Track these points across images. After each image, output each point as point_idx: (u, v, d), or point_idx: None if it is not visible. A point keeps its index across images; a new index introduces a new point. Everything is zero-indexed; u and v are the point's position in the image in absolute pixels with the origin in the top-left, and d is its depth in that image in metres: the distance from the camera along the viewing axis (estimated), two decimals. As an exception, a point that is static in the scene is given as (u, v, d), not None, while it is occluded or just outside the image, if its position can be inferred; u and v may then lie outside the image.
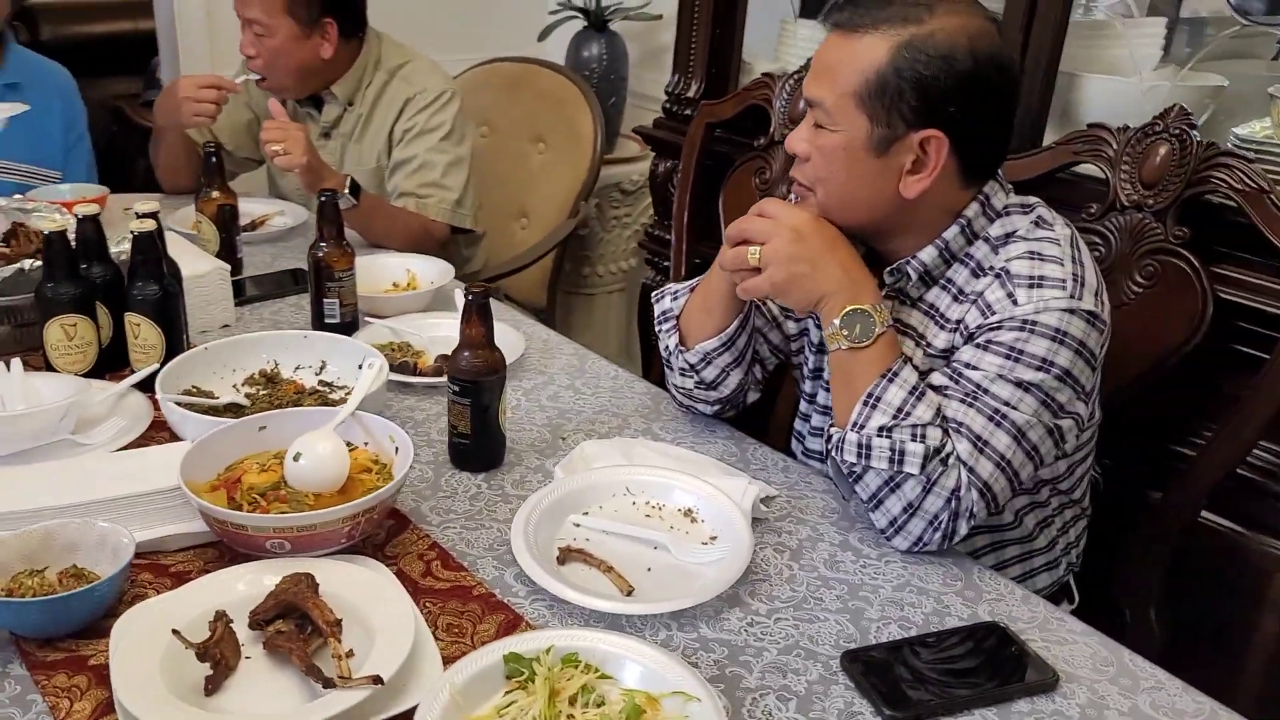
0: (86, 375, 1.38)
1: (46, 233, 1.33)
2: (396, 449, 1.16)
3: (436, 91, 2.17)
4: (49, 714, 0.89)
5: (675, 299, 1.39)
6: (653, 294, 1.43)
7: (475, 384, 1.24)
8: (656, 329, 1.40)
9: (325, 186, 1.87)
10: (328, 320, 1.58)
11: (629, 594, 1.08)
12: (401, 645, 0.92)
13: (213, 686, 0.90)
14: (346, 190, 1.87)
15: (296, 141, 1.82)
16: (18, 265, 1.43)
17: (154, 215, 1.41)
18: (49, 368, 1.38)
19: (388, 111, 2.17)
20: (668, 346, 1.39)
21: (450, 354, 1.27)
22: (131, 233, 1.36)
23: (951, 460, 1.12)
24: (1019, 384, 1.13)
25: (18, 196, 1.70)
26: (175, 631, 0.90)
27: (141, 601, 0.99)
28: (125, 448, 1.25)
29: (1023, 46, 1.79)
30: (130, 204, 1.42)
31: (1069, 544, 1.40)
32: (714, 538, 1.16)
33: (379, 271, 1.81)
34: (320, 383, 1.40)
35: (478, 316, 1.24)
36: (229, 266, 1.60)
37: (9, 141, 2.02)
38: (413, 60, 2.21)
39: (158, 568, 1.07)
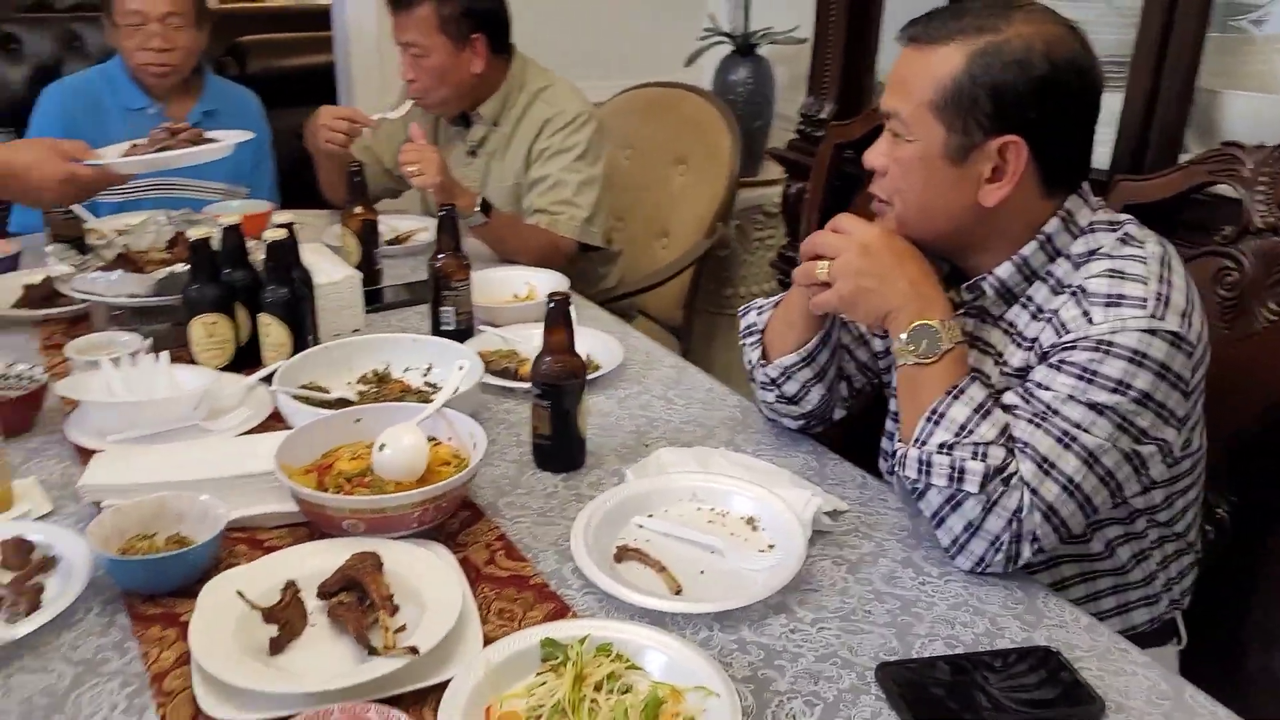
0: (224, 369, 1.53)
1: (192, 239, 1.49)
2: (475, 445, 1.23)
3: (573, 114, 2.28)
4: (140, 659, 1.00)
5: (760, 314, 1.42)
6: (739, 309, 1.46)
7: (555, 387, 1.31)
8: (740, 343, 1.43)
9: (459, 204, 1.99)
10: (443, 326, 1.69)
11: (677, 593, 1.11)
12: (445, 623, 0.99)
13: (276, 647, 0.99)
14: (477, 209, 1.98)
15: (431, 163, 1.95)
16: (172, 269, 1.59)
17: (288, 227, 1.54)
18: (193, 361, 1.53)
19: (528, 131, 2.28)
20: (750, 360, 1.41)
21: (534, 359, 1.33)
22: (266, 241, 1.49)
23: (1014, 481, 1.10)
24: (1091, 406, 1.10)
25: (186, 210, 1.90)
26: (239, 593, 1.00)
27: (231, 569, 1.10)
28: (245, 434, 1.38)
29: (1158, 60, 1.72)
30: (305, 220, 1.58)
31: (1170, 580, 1.33)
32: (771, 546, 1.18)
33: (502, 284, 1.91)
34: (425, 383, 1.50)
35: (558, 323, 1.31)
36: (360, 275, 1.73)
37: (208, 165, 2.25)
38: (554, 84, 2.32)
39: (254, 541, 1.18)
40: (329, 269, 1.73)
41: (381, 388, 1.47)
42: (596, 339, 1.70)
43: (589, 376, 1.58)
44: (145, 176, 2.22)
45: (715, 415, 1.51)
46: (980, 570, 1.14)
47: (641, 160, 2.88)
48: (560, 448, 1.34)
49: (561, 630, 1.00)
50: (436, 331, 1.70)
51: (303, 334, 1.54)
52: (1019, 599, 1.12)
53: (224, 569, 1.11)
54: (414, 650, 0.94)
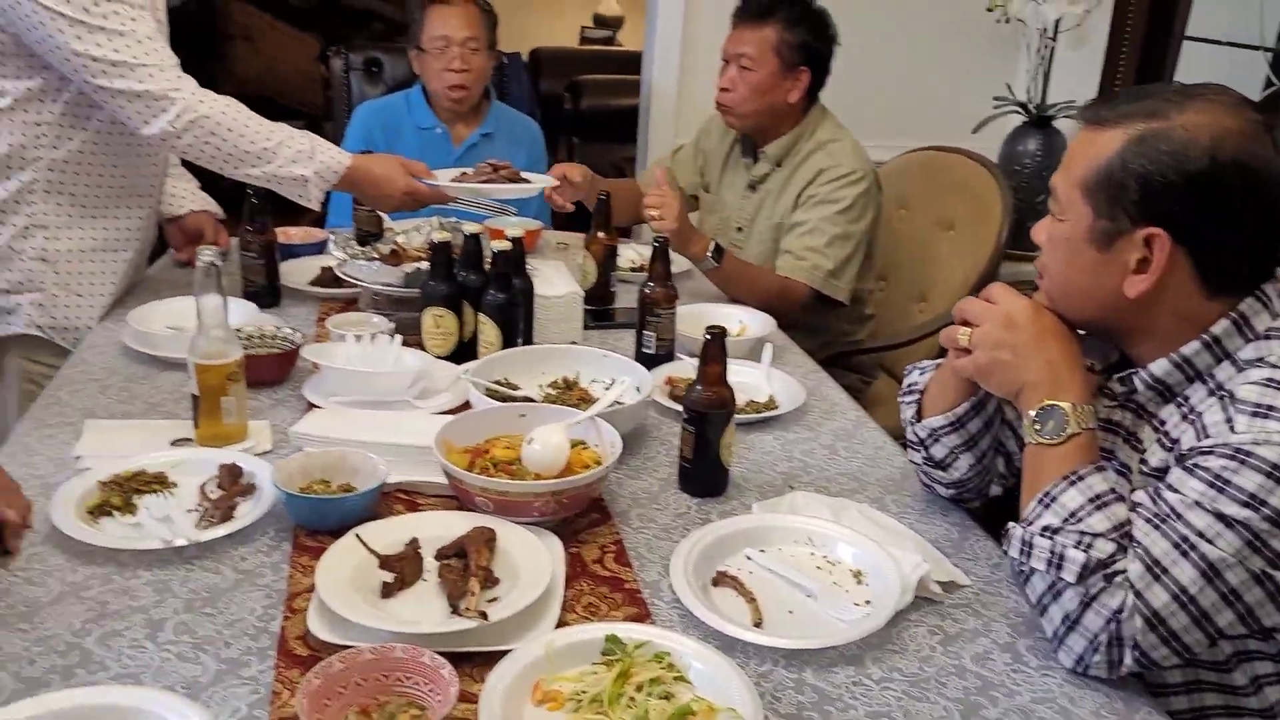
0: (445, 358, 1.73)
1: (433, 240, 1.71)
2: (610, 455, 1.33)
3: (849, 169, 2.33)
4: (286, 580, 1.18)
5: (923, 373, 1.41)
6: (906, 366, 1.46)
7: (701, 415, 1.38)
8: (898, 399, 1.43)
9: (691, 249, 2.12)
10: (644, 350, 1.80)
11: (757, 625, 1.14)
12: (524, 601, 1.09)
13: (387, 592, 1.14)
14: (709, 254, 2.09)
15: (670, 209, 2.08)
16: (419, 265, 1.83)
17: (517, 240, 1.73)
18: (421, 347, 1.75)
19: (803, 177, 2.37)
20: (905, 418, 1.41)
21: (689, 386, 1.41)
22: (494, 250, 1.68)
23: (1118, 580, 1.03)
24: (1219, 516, 1.01)
25: (456, 219, 2.15)
26: (358, 536, 1.16)
27: (378, 519, 1.26)
28: (440, 414, 1.56)
29: None
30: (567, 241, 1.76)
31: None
32: (868, 601, 1.18)
33: (718, 319, 1.98)
34: (617, 400, 1.62)
35: (713, 355, 1.38)
36: (580, 293, 1.89)
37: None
38: (840, 139, 2.38)
39: (411, 504, 1.35)
40: (557, 284, 1.90)
41: (565, 393, 1.60)
42: (785, 381, 1.75)
43: (766, 414, 1.64)
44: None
45: (875, 472, 1.51)
46: (1081, 670, 1.08)
47: (912, 221, 2.86)
48: (700, 472, 1.40)
49: (628, 631, 1.07)
50: (638, 353, 1.81)
51: (512, 336, 1.71)
52: (1116, 709, 1.05)
53: (374, 518, 1.28)
54: (484, 616, 1.05)
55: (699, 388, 1.38)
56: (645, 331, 1.80)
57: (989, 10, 3.01)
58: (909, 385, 1.42)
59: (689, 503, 1.40)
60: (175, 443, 1.46)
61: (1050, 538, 1.07)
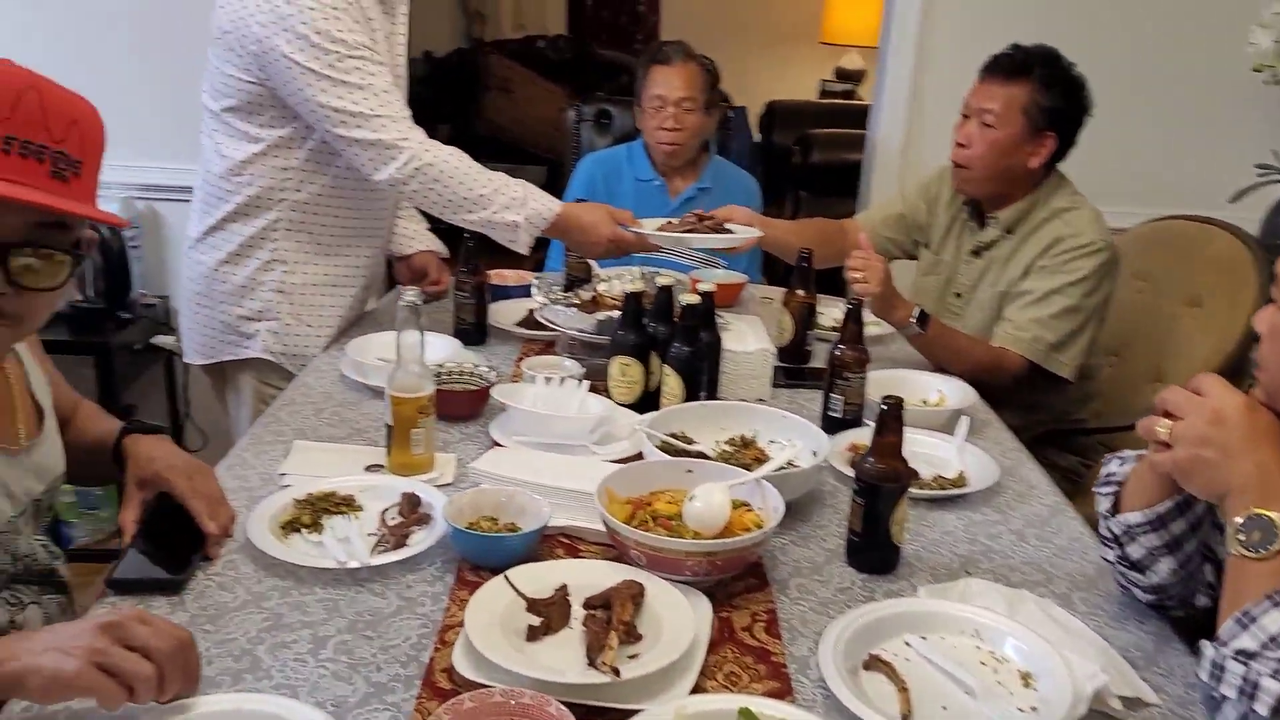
0: (629, 406, 1.75)
1: (626, 291, 1.74)
2: (770, 521, 1.30)
3: (1087, 240, 2.18)
4: (442, 611, 1.22)
5: (1123, 464, 1.29)
6: (1105, 454, 1.34)
7: (873, 487, 1.32)
8: (1094, 490, 1.31)
9: (894, 315, 2.05)
10: (830, 413, 1.75)
11: (905, 717, 1.07)
12: (660, 661, 1.08)
13: (533, 635, 1.15)
14: (914, 320, 2.02)
15: (875, 272, 2.02)
16: (611, 313, 1.86)
17: (707, 294, 1.73)
18: (606, 394, 1.78)
19: (1036, 246, 2.23)
20: (1100, 510, 1.29)
21: (861, 456, 1.36)
22: (682, 304, 1.69)
23: (1323, 721, 0.90)
24: None
25: (658, 270, 2.18)
26: (506, 578, 1.18)
27: (534, 562, 1.29)
28: (615, 461, 1.58)
29: None
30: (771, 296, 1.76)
31: None
32: (1034, 709, 1.09)
33: (914, 386, 1.92)
34: (787, 460, 1.58)
35: (888, 426, 1.32)
36: (771, 351, 1.86)
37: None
38: (1079, 208, 2.24)
39: (572, 548, 1.37)
40: (749, 340, 1.89)
41: (741, 451, 1.58)
42: (979, 458, 1.65)
43: (952, 491, 1.56)
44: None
45: (1065, 565, 1.40)
46: (1273, 818, 0.95)
47: (1152, 295, 2.65)
48: (868, 547, 1.35)
49: (764, 706, 1.03)
50: (824, 417, 1.77)
51: (695, 389, 1.71)
52: None
53: (533, 559, 1.30)
54: (617, 672, 1.05)
55: (872, 459, 1.33)
56: (833, 394, 1.75)
57: (1255, 70, 2.76)
58: (1106, 475, 1.31)
59: (853, 578, 1.34)
60: (369, 468, 1.55)
61: (1245, 663, 0.95)
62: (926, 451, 1.68)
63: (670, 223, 2.31)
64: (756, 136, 5.84)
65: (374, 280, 2.23)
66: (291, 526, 1.37)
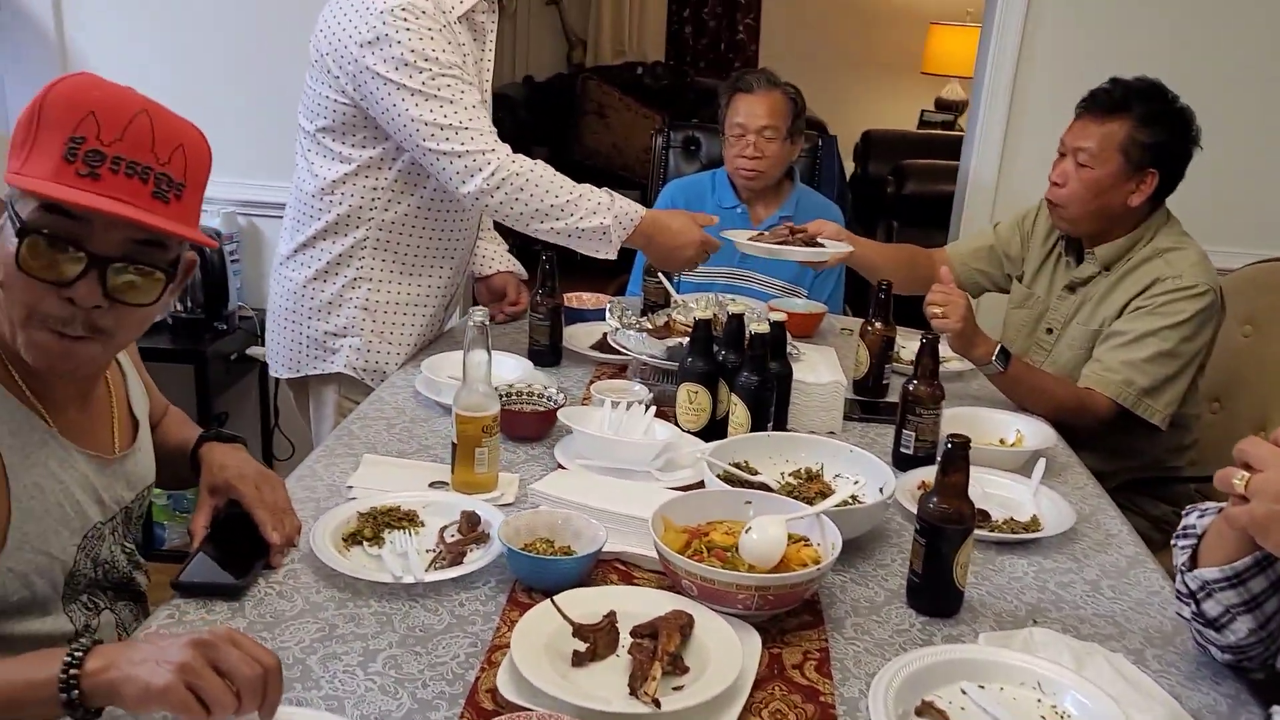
0: (695, 433, 1.74)
1: (696, 318, 1.73)
2: (828, 558, 1.27)
3: (1191, 282, 2.09)
4: (493, 631, 1.23)
5: (1202, 516, 1.23)
6: (1186, 506, 1.28)
7: (935, 528, 1.29)
8: (1171, 543, 1.25)
9: (974, 352, 1.99)
10: (901, 449, 1.71)
11: (953, 769, 1.04)
12: (703, 695, 1.06)
13: (578, 660, 1.15)
14: (994, 359, 1.96)
15: (955, 308, 1.97)
16: (681, 339, 1.86)
17: (777, 324, 1.71)
18: (674, 420, 1.77)
19: (1135, 284, 2.16)
20: (1176, 564, 1.23)
21: (925, 495, 1.32)
22: (751, 331, 1.68)
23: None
24: None
25: (734, 296, 2.17)
26: (554, 602, 1.18)
27: (584, 587, 1.28)
28: (675, 489, 1.57)
29: None
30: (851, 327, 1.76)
31: None
32: (1093, 768, 1.04)
33: (993, 425, 1.86)
34: (852, 495, 1.55)
35: (953, 465, 1.28)
36: (843, 383, 1.83)
37: (778, 264, 2.55)
38: (1184, 248, 2.15)
39: (626, 575, 1.36)
40: (822, 371, 1.86)
41: (805, 484, 1.55)
42: (1055, 503, 1.60)
43: (1024, 536, 1.51)
44: (725, 265, 2.58)
45: (1140, 620, 1.34)
46: None
47: (1259, 340, 2.53)
48: (929, 588, 1.31)
49: (805, 748, 1.01)
50: (896, 453, 1.73)
51: (763, 419, 1.68)
52: None
53: (585, 584, 1.30)
54: (657, 703, 1.04)
55: (935, 499, 1.29)
56: (905, 430, 1.71)
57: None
58: (1184, 528, 1.25)
59: (913, 620, 1.30)
60: (433, 484, 1.57)
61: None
62: (1000, 493, 1.63)
63: (762, 235, 2.32)
64: (851, 166, 5.79)
65: (454, 299, 2.27)
66: (354, 539, 1.39)
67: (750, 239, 2.30)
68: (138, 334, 1.27)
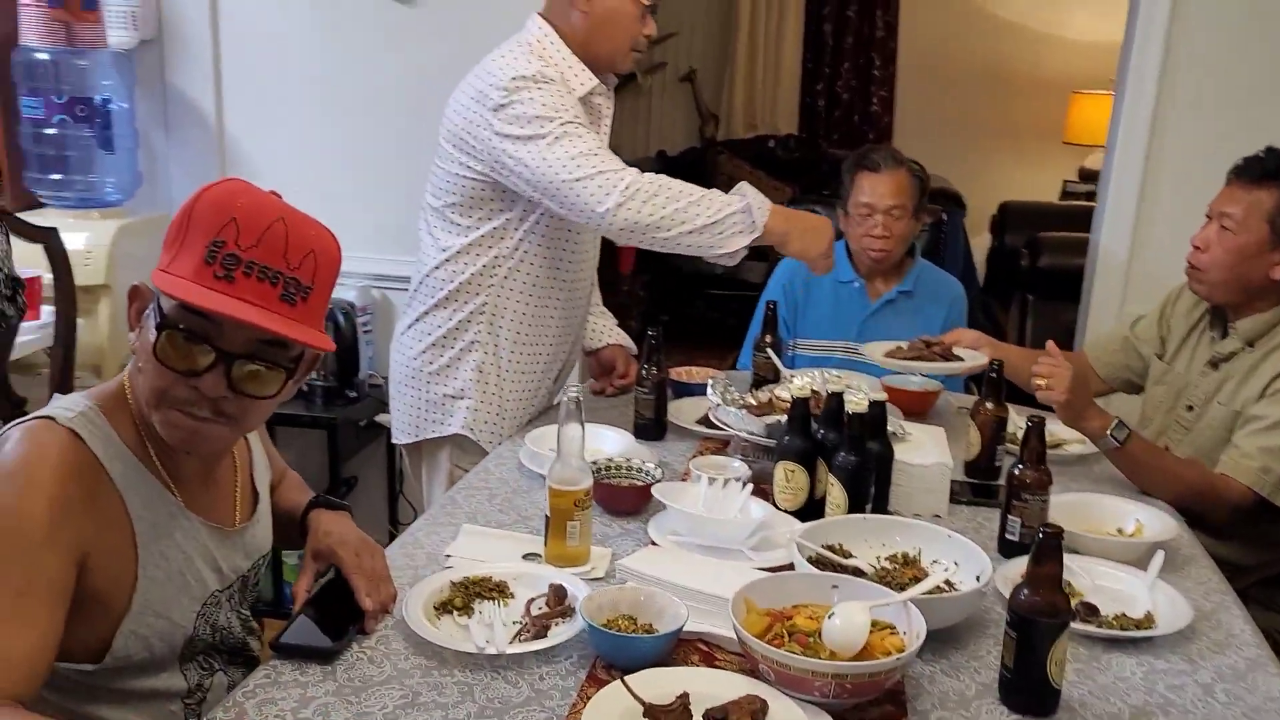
0: (793, 513, 1.72)
1: (793, 396, 1.72)
2: (911, 647, 1.23)
3: None
4: (568, 708, 1.24)
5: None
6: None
7: (1027, 621, 1.23)
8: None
9: (1087, 425, 1.91)
10: (1007, 535, 1.65)
11: None
12: (769, 785, 1.04)
13: (647, 741, 1.14)
14: (1109, 433, 1.88)
15: (1060, 380, 1.90)
16: (780, 417, 1.85)
17: (876, 403, 1.69)
18: (770, 499, 1.76)
19: (1276, 364, 2.06)
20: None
21: (1017, 585, 1.27)
22: (847, 412, 1.66)
23: None
24: None
25: (849, 372, 2.14)
26: (623, 680, 1.18)
27: (663, 667, 1.28)
28: (767, 569, 1.55)
29: None
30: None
31: None
32: None
33: (1109, 512, 1.78)
34: (945, 581, 1.50)
35: (1044, 556, 1.23)
36: (948, 465, 1.78)
37: (893, 327, 2.51)
38: None
39: (708, 656, 1.35)
40: (928, 453, 1.82)
41: (901, 569, 1.51)
42: (1172, 599, 1.51)
43: (1133, 633, 1.43)
44: (842, 340, 2.55)
45: (1257, 728, 1.25)
46: None
47: None
48: (1021, 685, 1.25)
49: None
50: (1001, 539, 1.67)
51: (861, 500, 1.65)
52: None
53: (665, 664, 1.30)
54: (718, 792, 1.02)
55: (1026, 590, 1.24)
56: (1010, 516, 1.66)
57: None
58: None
59: (1004, 717, 1.25)
60: (527, 556, 1.60)
61: None
62: (1112, 585, 1.55)
63: (900, 348, 2.32)
64: (987, 237, 5.67)
65: (565, 370, 2.32)
66: (445, 608, 1.43)
67: (886, 354, 2.29)
68: (262, 420, 1.36)
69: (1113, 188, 2.89)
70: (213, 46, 3.20)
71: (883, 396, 1.72)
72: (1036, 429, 1.65)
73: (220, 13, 3.19)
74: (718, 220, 1.99)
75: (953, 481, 1.93)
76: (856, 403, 1.71)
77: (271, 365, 1.23)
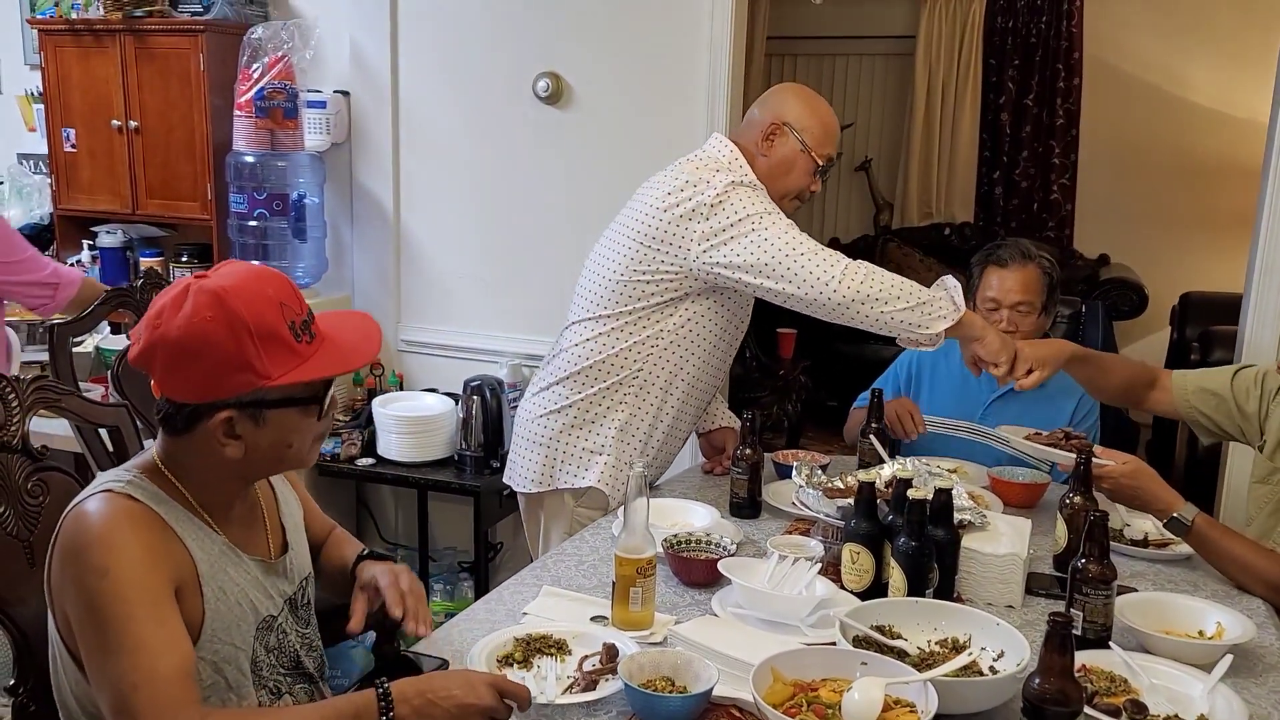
0: (859, 594, 1.77)
1: (859, 480, 1.79)
2: (923, 725, 1.28)
3: None
4: (595, 757, 1.35)
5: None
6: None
7: (1038, 709, 1.26)
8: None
9: (1152, 506, 1.89)
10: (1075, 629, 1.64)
11: None
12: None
13: (655, 792, 1.24)
14: (1178, 514, 1.86)
15: (1114, 467, 1.89)
16: (852, 500, 1.90)
17: (942, 491, 1.73)
18: (837, 579, 1.81)
19: None
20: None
21: (1030, 674, 1.29)
22: (908, 499, 1.71)
23: None
24: None
25: (940, 463, 2.17)
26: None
27: (687, 726, 1.37)
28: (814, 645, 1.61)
29: None
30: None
31: None
32: None
33: (1183, 613, 1.74)
34: (991, 666, 1.52)
35: (1056, 644, 1.25)
36: (1020, 556, 1.79)
37: (1021, 416, 2.50)
38: None
39: (731, 715, 1.43)
40: (1003, 543, 1.83)
41: (948, 653, 1.54)
42: (1232, 704, 1.46)
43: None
44: (967, 420, 2.54)
45: (1289, 842, 1.21)
46: None
47: None
48: (1033, 774, 1.27)
49: None
50: (1067, 631, 1.66)
51: (920, 585, 1.69)
52: None
53: (694, 727, 1.39)
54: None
55: (1038, 680, 1.27)
56: (1073, 609, 1.65)
57: None
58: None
59: (1017, 806, 1.27)
60: (594, 619, 1.72)
61: None
62: (1170, 685, 1.52)
63: (1038, 434, 2.34)
64: (1168, 330, 5.42)
65: (684, 445, 2.45)
66: (506, 660, 1.57)
67: (1027, 438, 2.30)
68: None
69: (1257, 277, 2.78)
70: (393, 148, 3.59)
71: (949, 485, 1.76)
72: (1099, 523, 1.64)
73: (400, 118, 3.58)
74: (928, 300, 2.13)
75: (1037, 574, 1.94)
76: (920, 490, 1.75)
77: None
